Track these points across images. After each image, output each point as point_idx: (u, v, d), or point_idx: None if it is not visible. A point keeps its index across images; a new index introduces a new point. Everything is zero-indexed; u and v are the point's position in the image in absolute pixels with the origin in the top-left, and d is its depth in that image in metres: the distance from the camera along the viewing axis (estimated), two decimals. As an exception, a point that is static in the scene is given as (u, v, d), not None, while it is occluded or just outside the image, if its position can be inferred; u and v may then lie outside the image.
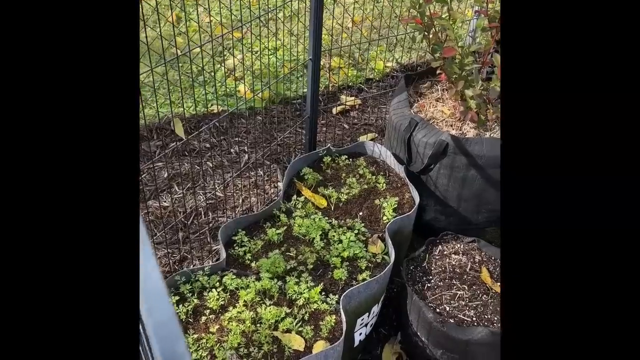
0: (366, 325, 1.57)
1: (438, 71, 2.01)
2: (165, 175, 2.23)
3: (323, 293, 1.47)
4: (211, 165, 2.31)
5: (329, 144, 2.03)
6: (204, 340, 1.30)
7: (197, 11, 3.39)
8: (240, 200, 2.16)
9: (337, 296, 1.44)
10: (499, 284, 1.62)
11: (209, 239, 1.98)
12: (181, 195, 2.14)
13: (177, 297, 1.38)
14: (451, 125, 1.96)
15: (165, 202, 2.12)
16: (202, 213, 2.09)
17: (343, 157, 1.99)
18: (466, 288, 1.59)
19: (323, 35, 3.15)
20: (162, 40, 1.32)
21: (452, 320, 1.49)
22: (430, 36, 1.91)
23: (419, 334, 1.56)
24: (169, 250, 1.94)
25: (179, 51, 2.81)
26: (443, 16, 1.91)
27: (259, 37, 2.40)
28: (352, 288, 1.43)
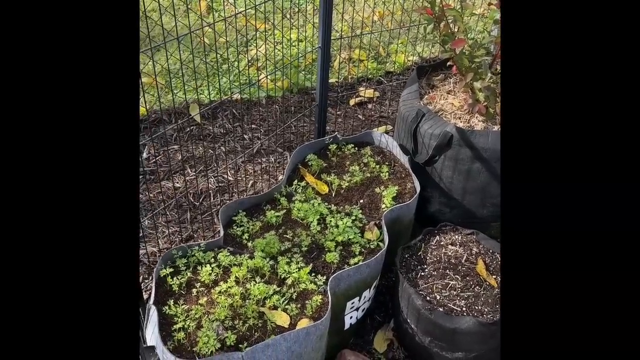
0: (357, 309, 1.59)
1: (449, 63, 2.00)
2: (180, 157, 2.31)
3: (313, 274, 1.50)
4: (224, 150, 2.37)
5: (336, 133, 2.05)
6: (193, 311, 1.35)
7: (221, 2, 3.47)
8: (249, 185, 2.22)
9: (324, 277, 1.47)
10: (494, 276, 1.62)
11: (215, 220, 2.04)
12: (193, 177, 2.21)
13: (171, 270, 1.44)
14: (459, 118, 1.95)
15: (177, 183, 2.19)
16: (212, 195, 2.15)
17: (349, 146, 2.01)
18: (459, 279, 1.59)
19: (344, 27, 3.17)
20: (176, 24, 1.38)
21: (440, 309, 1.49)
22: (441, 27, 1.91)
23: (409, 320, 1.57)
24: (177, 228, 2.01)
25: (205, 39, 2.89)
26: (456, 8, 1.90)
27: (275, 26, 2.44)
28: (342, 271, 1.45)
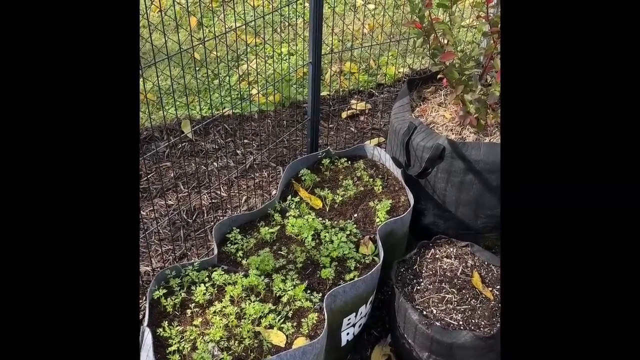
0: (354, 325, 1.58)
1: (439, 76, 2.01)
2: (172, 174, 2.30)
3: (309, 291, 1.48)
4: (217, 166, 2.36)
5: (329, 147, 2.05)
6: (188, 333, 1.34)
7: (214, 19, 3.48)
8: (243, 201, 2.21)
9: (320, 294, 1.46)
10: (490, 289, 1.61)
11: (209, 237, 2.03)
12: (186, 194, 2.20)
13: (165, 290, 1.43)
14: (451, 130, 1.96)
15: (170, 200, 2.18)
16: (205, 212, 2.14)
17: (342, 160, 2.01)
18: (455, 292, 1.58)
19: (335, 41, 3.18)
20: (166, 42, 1.38)
21: (437, 323, 1.48)
22: (431, 40, 1.92)
23: (405, 336, 1.56)
24: (170, 246, 1.99)
25: (196, 55, 2.89)
26: (445, 21, 1.91)
27: (266, 42, 2.45)
28: (337, 287, 1.44)
